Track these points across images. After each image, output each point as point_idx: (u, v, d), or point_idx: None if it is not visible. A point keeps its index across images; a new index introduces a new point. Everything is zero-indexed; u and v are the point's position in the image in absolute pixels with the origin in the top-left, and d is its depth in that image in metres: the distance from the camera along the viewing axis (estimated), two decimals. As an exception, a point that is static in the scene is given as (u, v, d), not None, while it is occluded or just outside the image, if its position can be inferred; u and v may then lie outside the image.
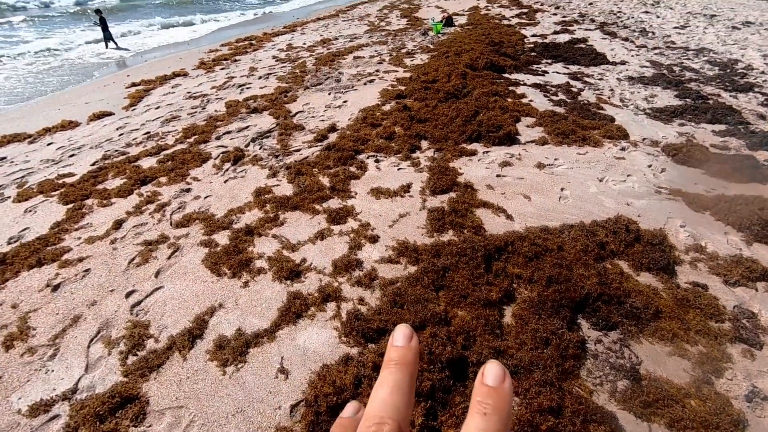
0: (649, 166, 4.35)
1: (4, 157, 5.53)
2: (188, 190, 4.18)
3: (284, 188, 4.11)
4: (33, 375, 2.32)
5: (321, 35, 12.88)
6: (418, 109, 5.85)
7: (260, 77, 8.34)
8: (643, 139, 5.04)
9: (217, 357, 2.33)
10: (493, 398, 0.28)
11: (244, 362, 2.31)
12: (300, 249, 3.21)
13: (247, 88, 7.66)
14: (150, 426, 2.03)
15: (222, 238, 3.38)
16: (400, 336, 0.33)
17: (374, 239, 3.28)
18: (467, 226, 3.37)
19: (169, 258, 3.19)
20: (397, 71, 8.15)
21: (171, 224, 3.61)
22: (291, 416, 2.06)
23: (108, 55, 12.75)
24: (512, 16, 14.27)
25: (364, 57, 9.55)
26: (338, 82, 7.66)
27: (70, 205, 4.03)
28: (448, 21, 12.79)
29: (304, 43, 11.68)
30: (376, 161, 4.58)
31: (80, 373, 2.30)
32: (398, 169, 4.41)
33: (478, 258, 2.88)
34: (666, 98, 6.57)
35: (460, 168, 4.38)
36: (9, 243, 3.54)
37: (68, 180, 4.58)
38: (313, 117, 5.99)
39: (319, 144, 5.05)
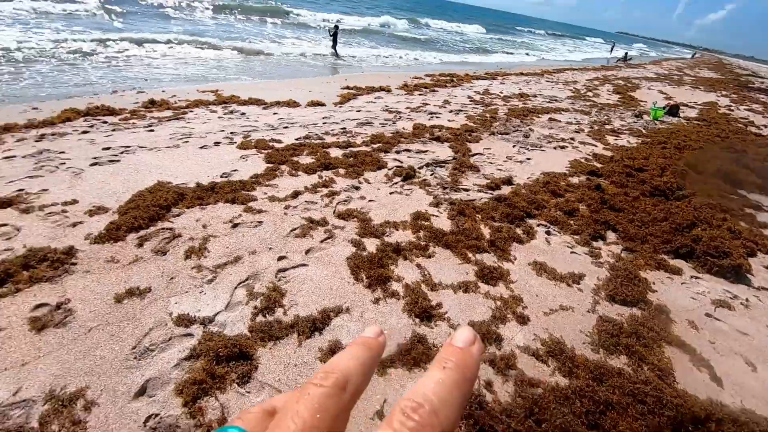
0: None
1: (244, 113, 7.02)
2: (357, 188, 4.43)
3: (442, 222, 3.95)
4: (192, 290, 2.65)
5: (520, 89, 12.77)
6: (614, 194, 5.01)
7: (450, 111, 8.64)
8: None
9: (326, 361, 2.22)
10: (457, 356, 0.28)
11: (348, 382, 2.14)
12: (439, 291, 2.95)
13: (437, 117, 8.00)
14: (248, 392, 2.03)
15: (371, 244, 3.39)
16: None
17: (523, 319, 2.78)
18: (649, 363, 2.55)
19: (322, 242, 3.35)
20: (595, 146, 7.31)
21: (334, 212, 3.84)
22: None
23: (331, 60, 15.45)
24: (765, 125, 11.43)
25: (560, 121, 8.95)
26: (526, 137, 7.30)
27: (270, 165, 4.75)
28: (672, 110, 11.06)
29: (501, 92, 11.74)
30: (548, 233, 4.03)
31: (221, 308, 2.51)
32: (571, 252, 3.76)
33: (663, 417, 2.08)
34: None
35: (654, 283, 3.45)
36: (221, 176, 4.34)
37: (276, 145, 5.45)
38: (490, 163, 5.78)
39: (490, 192, 4.77)
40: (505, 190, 4.89)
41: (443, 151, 5.99)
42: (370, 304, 2.72)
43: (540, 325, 2.77)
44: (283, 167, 4.72)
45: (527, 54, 29.64)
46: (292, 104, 7.86)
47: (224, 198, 3.83)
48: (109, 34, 12.73)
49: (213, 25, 19.42)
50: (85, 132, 5.47)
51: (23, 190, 3.69)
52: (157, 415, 1.86)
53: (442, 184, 4.84)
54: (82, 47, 10.86)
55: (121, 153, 4.75)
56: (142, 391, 1.96)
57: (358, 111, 7.87)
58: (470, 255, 3.43)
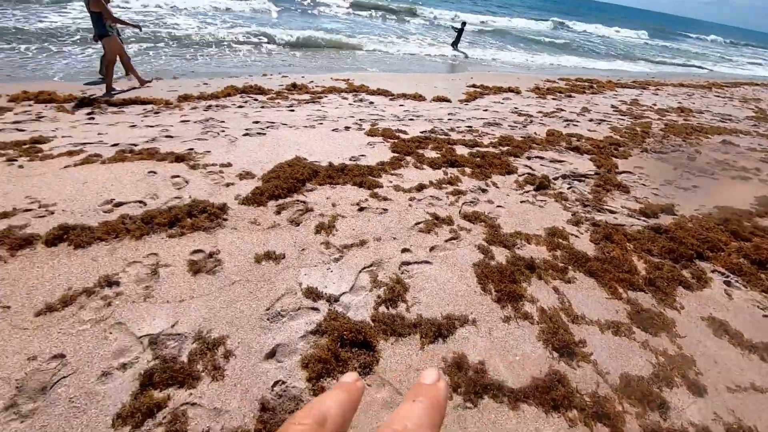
0: None
1: (372, 102, 7.19)
2: (485, 191, 4.10)
3: (583, 243, 3.39)
4: (320, 264, 2.68)
5: (679, 102, 10.70)
6: (832, 250, 3.72)
7: (591, 120, 7.60)
8: None
9: (451, 376, 2.00)
10: (427, 391, 0.33)
11: (472, 407, 1.88)
12: (581, 325, 2.48)
13: (574, 124, 7.11)
14: (369, 386, 1.92)
15: (500, 254, 3.05)
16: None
17: (698, 389, 2.15)
18: None
19: (446, 241, 3.13)
20: (794, 184, 5.63)
21: (460, 212, 3.59)
22: None
23: (453, 56, 15.06)
24: None
25: (737, 145, 7.18)
26: (691, 160, 5.99)
27: (395, 155, 4.70)
28: None
29: (654, 104, 9.98)
30: (728, 284, 3.15)
31: (345, 289, 2.48)
32: (764, 315, 2.86)
33: None
34: None
35: None
36: (350, 160, 4.43)
37: (402, 136, 5.41)
38: (643, 185, 4.84)
39: (644, 219, 3.97)
40: (665, 219, 4.01)
41: (582, 164, 5.24)
42: (500, 322, 2.41)
43: (722, 403, 2.12)
44: (408, 158, 4.64)
45: (693, 64, 24.90)
46: (418, 98, 7.80)
47: (352, 180, 3.88)
48: (265, 27, 14.49)
49: (349, 21, 20.73)
50: (240, 106, 6.19)
51: (192, 149, 4.27)
52: (283, 382, 1.87)
53: (582, 200, 4.19)
54: (238, 37, 12.50)
55: (267, 127, 5.22)
56: (272, 354, 2.00)
57: (485, 110, 7.44)
58: (620, 290, 2.84)
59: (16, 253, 2.51)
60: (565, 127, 6.89)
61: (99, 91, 6.30)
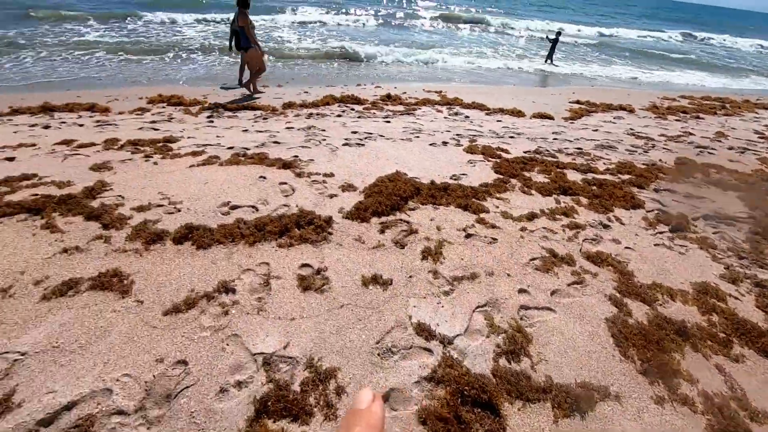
0: None
1: (468, 116, 6.89)
2: (607, 227, 3.55)
3: (746, 309, 2.70)
4: (429, 296, 2.46)
5: None
6: None
7: (730, 148, 6.40)
8: None
9: (599, 467, 1.62)
10: (359, 418, 0.32)
11: None
12: (765, 426, 1.91)
13: (709, 152, 6.03)
14: (493, 460, 1.63)
15: (638, 310, 2.55)
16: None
17: None
18: None
19: (569, 285, 2.71)
20: None
21: (581, 251, 3.12)
22: None
23: (547, 70, 13.99)
24: None
25: None
26: None
27: (499, 176, 4.35)
28: None
29: (813, 135, 8.13)
30: None
31: (459, 330, 2.22)
32: None
33: None
34: None
35: None
36: (451, 178, 4.19)
37: (503, 155, 5.02)
38: (821, 237, 3.83)
39: (831, 284, 3.08)
40: None
41: (729, 203, 4.34)
42: (650, 402, 1.95)
43: None
44: (513, 181, 4.25)
45: None
46: (517, 113, 7.31)
47: (456, 202, 3.62)
48: (359, 39, 15.06)
49: (439, 34, 20.73)
50: (338, 116, 6.32)
51: (297, 156, 4.39)
52: (399, 437, 1.67)
53: (737, 251, 3.42)
54: (335, 49, 13.06)
55: (365, 138, 5.22)
56: (385, 398, 1.82)
57: (595, 130, 6.68)
58: (816, 383, 2.16)
59: (149, 248, 2.70)
60: (697, 155, 5.87)
61: (221, 97, 6.93)
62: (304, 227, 3.01)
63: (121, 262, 2.53)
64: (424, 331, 2.18)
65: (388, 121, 6.14)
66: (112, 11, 15.43)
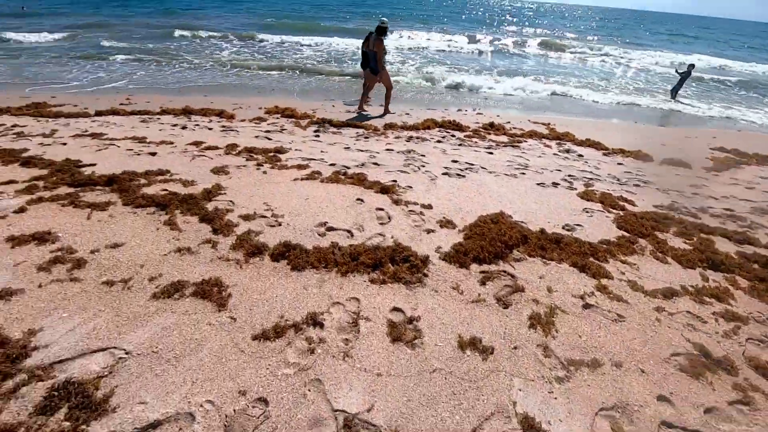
0: None
1: (581, 155, 6.15)
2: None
3: None
4: (538, 380, 2.04)
5: None
6: None
7: None
8: None
9: None
10: None
11: None
12: None
13: None
14: None
15: None
16: None
17: None
18: None
19: (730, 404, 2.03)
20: None
21: (744, 355, 2.38)
22: None
23: (675, 108, 12.11)
24: None
25: None
26: None
27: (623, 233, 3.67)
28: None
29: None
30: None
31: (576, 438, 1.76)
32: None
33: None
34: None
35: None
36: (564, 228, 3.65)
37: (628, 207, 4.28)
38: None
39: None
40: None
41: None
42: None
43: None
44: (642, 242, 3.55)
45: None
46: (642, 156, 6.33)
47: (570, 259, 3.11)
48: (462, 65, 14.93)
49: (547, 64, 19.66)
50: (438, 141, 6.13)
51: (396, 182, 4.26)
52: None
53: None
54: (444, 75, 13.03)
55: (466, 169, 4.92)
56: None
57: (749, 188, 5.43)
58: None
59: (249, 260, 2.74)
60: None
61: (328, 112, 7.26)
62: (399, 264, 2.80)
63: (223, 272, 2.59)
64: (531, 427, 1.77)
65: (491, 152, 5.75)
66: (249, 32, 18.34)
